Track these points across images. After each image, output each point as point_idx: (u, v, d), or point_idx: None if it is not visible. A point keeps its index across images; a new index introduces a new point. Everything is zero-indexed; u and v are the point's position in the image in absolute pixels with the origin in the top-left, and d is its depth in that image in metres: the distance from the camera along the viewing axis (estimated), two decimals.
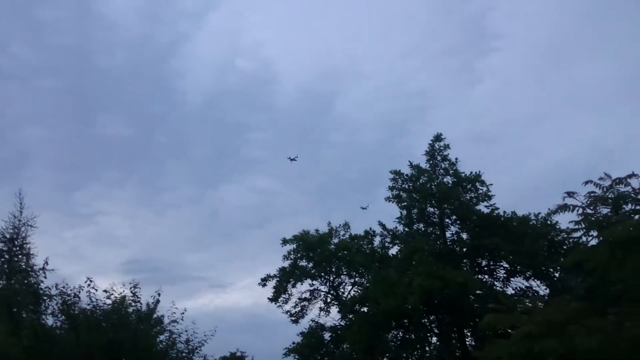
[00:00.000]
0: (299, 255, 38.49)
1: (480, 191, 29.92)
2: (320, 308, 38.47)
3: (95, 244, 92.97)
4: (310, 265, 38.36)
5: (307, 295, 39.03)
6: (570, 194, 13.54)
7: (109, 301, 24.31)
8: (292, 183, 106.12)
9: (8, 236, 23.64)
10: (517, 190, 73.66)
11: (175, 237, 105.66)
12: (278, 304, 38.64)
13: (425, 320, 30.73)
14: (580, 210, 13.20)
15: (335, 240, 38.98)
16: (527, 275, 28.67)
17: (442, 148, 31.13)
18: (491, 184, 29.86)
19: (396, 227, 32.34)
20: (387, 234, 33.53)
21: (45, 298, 23.16)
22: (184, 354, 25.64)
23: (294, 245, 38.59)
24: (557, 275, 27.70)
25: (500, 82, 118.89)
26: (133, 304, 24.75)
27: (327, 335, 36.50)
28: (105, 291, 24.47)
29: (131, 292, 24.87)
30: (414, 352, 30.82)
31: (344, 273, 38.52)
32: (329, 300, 38.70)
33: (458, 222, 30.49)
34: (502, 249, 27.51)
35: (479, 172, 29.99)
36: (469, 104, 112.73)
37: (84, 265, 79.74)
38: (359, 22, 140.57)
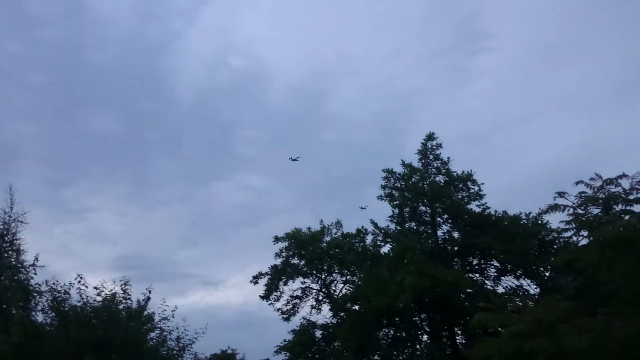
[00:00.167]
0: (290, 253, 38.48)
1: (472, 190, 30.03)
2: (311, 306, 38.53)
3: (86, 241, 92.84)
4: (302, 263, 38.35)
5: (298, 293, 39.07)
6: (561, 194, 13.61)
7: (99, 298, 24.21)
8: (283, 181, 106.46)
9: None
10: (508, 189, 74.16)
11: (166, 234, 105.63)
12: (270, 302, 38.63)
13: (417, 318, 30.87)
14: (571, 210, 13.27)
15: (327, 239, 39.01)
16: (518, 274, 28.81)
17: (434, 147, 31.18)
18: (482, 184, 30.01)
19: (388, 226, 32.45)
20: (379, 232, 33.57)
21: (35, 294, 22.97)
22: (174, 352, 25.58)
23: (286, 243, 38.58)
24: (547, 274, 27.87)
25: (491, 82, 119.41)
26: (123, 301, 24.65)
27: (318, 333, 36.55)
28: (95, 288, 24.36)
29: (122, 289, 24.78)
30: (404, 350, 30.96)
31: (336, 271, 38.54)
32: (320, 298, 38.73)
33: (450, 221, 30.60)
34: (493, 248, 27.64)
35: (471, 171, 30.12)
36: (460, 104, 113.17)
37: (74, 261, 79.64)
38: (350, 21, 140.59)
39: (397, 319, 29.93)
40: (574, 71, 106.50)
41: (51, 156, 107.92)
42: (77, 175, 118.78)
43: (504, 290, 28.97)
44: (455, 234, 30.56)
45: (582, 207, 13.19)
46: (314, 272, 38.50)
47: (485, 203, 29.66)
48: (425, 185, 30.16)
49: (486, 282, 29.83)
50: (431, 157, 31.17)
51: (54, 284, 23.51)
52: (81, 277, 23.92)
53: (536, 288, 28.15)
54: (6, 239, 23.29)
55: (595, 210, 13.11)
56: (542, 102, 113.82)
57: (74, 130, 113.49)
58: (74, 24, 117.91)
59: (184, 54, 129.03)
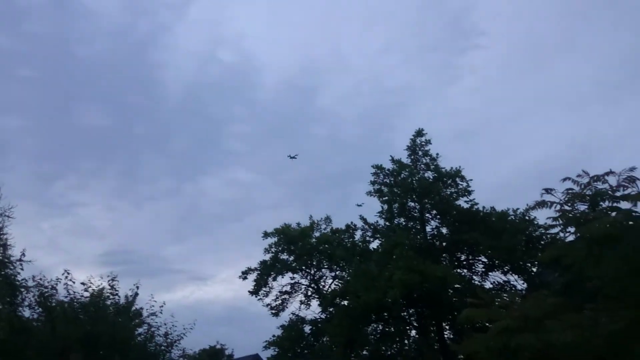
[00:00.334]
0: (280, 248, 38.45)
1: (460, 186, 30.18)
2: (300, 301, 38.53)
3: (73, 235, 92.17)
4: (291, 258, 38.34)
5: (287, 288, 39.03)
6: (548, 191, 13.67)
7: (86, 294, 24.15)
8: (273, 176, 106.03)
9: None
10: (496, 186, 74.56)
11: (154, 230, 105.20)
12: (259, 297, 38.56)
13: (405, 313, 30.96)
14: (558, 207, 13.34)
15: (317, 234, 39.01)
16: (505, 269, 28.98)
17: (423, 143, 31.26)
18: (471, 180, 30.17)
19: (377, 221, 32.50)
20: (368, 228, 33.63)
21: (22, 290, 22.86)
22: (162, 347, 25.56)
23: (275, 239, 38.54)
24: (534, 270, 28.05)
25: (481, 78, 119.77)
26: (111, 296, 24.59)
27: (307, 329, 36.60)
28: (82, 284, 24.30)
29: (109, 284, 24.71)
30: (393, 345, 31.05)
31: (325, 266, 38.57)
32: (309, 293, 38.75)
33: (438, 216, 30.71)
34: (481, 244, 27.79)
35: (459, 167, 30.27)
36: (450, 101, 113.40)
37: (62, 256, 79.10)
38: (341, 17, 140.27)
39: (385, 314, 30.01)
40: (563, 69, 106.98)
41: (39, 150, 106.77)
42: (65, 170, 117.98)
43: (491, 286, 29.14)
44: (444, 230, 30.71)
45: (569, 204, 13.26)
46: (303, 267, 38.51)
47: (474, 199, 29.85)
48: (414, 181, 30.27)
49: (474, 277, 30.01)
50: (420, 153, 31.25)
51: (40, 279, 23.45)
52: (68, 273, 23.83)
53: (523, 283, 28.34)
54: None
55: (582, 207, 13.19)
56: (530, 99, 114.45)
57: (62, 124, 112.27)
58: (62, 18, 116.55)
59: (173, 48, 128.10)
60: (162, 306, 25.48)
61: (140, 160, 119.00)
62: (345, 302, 31.68)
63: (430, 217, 30.92)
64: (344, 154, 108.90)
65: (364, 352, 31.26)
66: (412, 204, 30.72)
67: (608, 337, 10.76)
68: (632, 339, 10.46)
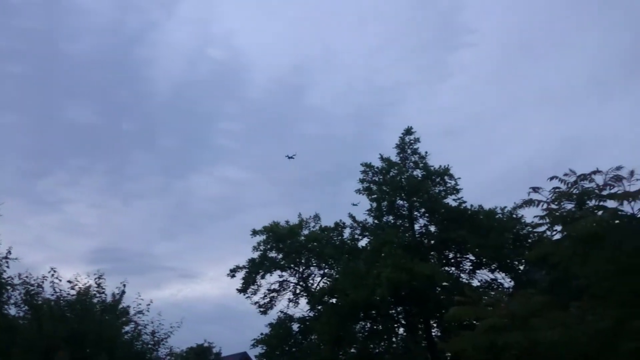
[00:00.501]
0: (268, 246, 38.32)
1: (449, 185, 30.36)
2: (289, 299, 38.47)
3: (61, 233, 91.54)
4: (280, 256, 38.25)
5: (276, 286, 38.93)
6: (535, 189, 13.71)
7: (73, 292, 23.96)
8: (262, 174, 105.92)
9: None
10: (485, 184, 74.92)
11: (142, 227, 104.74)
12: (247, 295, 38.45)
13: (393, 311, 31.08)
14: (545, 205, 13.38)
15: (306, 232, 38.93)
16: (493, 267, 29.19)
17: (412, 141, 31.40)
18: (459, 178, 30.39)
19: (366, 220, 32.58)
20: (357, 226, 33.68)
21: (7, 288, 22.66)
22: (149, 346, 25.43)
23: (264, 237, 38.40)
24: (521, 268, 28.26)
25: (471, 76, 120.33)
26: (98, 294, 24.44)
27: (295, 327, 36.53)
28: (69, 282, 24.11)
29: (96, 282, 24.56)
30: (381, 342, 31.13)
31: (314, 264, 38.51)
32: (298, 291, 38.69)
33: (427, 215, 30.86)
34: (469, 242, 27.95)
35: (448, 165, 30.45)
36: (440, 99, 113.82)
37: (49, 253, 78.58)
38: (332, 15, 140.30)
39: (373, 312, 30.11)
40: (552, 66, 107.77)
41: (26, 147, 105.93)
42: (53, 167, 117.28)
43: (479, 284, 29.35)
44: (432, 228, 30.88)
45: (556, 202, 13.30)
46: (292, 265, 38.45)
47: (462, 197, 30.07)
48: (402, 180, 30.34)
49: (462, 275, 30.21)
50: (409, 151, 31.37)
51: (27, 277, 23.21)
52: (55, 271, 23.65)
53: (511, 281, 28.55)
54: None
55: (569, 206, 13.23)
56: (520, 97, 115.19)
57: (50, 120, 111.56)
58: (51, 14, 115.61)
59: (162, 45, 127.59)
60: (149, 304, 25.39)
61: (129, 158, 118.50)
62: (334, 300, 31.74)
63: (418, 215, 31.06)
64: (334, 152, 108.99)
65: (352, 350, 31.30)
66: (401, 202, 30.84)
67: (594, 335, 10.82)
68: (618, 337, 10.52)
